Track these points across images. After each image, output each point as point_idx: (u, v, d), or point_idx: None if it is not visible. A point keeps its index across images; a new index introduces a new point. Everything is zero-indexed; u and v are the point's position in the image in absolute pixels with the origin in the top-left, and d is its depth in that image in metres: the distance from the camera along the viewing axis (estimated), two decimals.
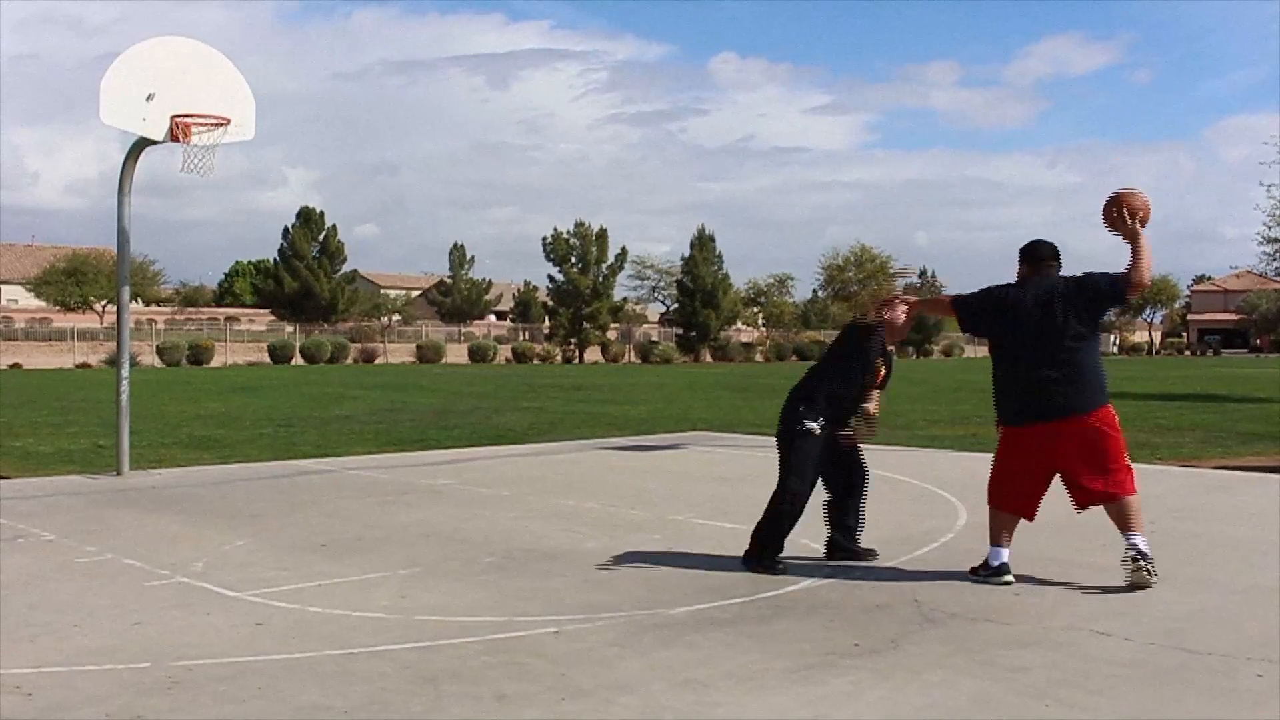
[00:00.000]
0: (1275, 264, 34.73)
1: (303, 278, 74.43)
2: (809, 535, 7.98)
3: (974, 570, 6.59)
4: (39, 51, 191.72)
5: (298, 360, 53.80)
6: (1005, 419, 6.60)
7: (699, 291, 67.04)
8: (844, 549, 7.10)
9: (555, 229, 69.70)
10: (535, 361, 59.76)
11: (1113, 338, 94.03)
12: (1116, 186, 6.56)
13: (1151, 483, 10.48)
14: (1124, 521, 6.35)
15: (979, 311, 6.72)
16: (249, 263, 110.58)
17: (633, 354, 65.93)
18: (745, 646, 5.18)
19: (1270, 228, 33.21)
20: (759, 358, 66.53)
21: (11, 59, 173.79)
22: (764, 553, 6.83)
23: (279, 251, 76.96)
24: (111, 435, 12.40)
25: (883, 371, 7.10)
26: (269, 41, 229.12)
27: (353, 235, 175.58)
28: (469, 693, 4.52)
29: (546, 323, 73.35)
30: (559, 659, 4.97)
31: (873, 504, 9.54)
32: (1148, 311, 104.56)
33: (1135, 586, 6.21)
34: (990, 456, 6.87)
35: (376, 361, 56.13)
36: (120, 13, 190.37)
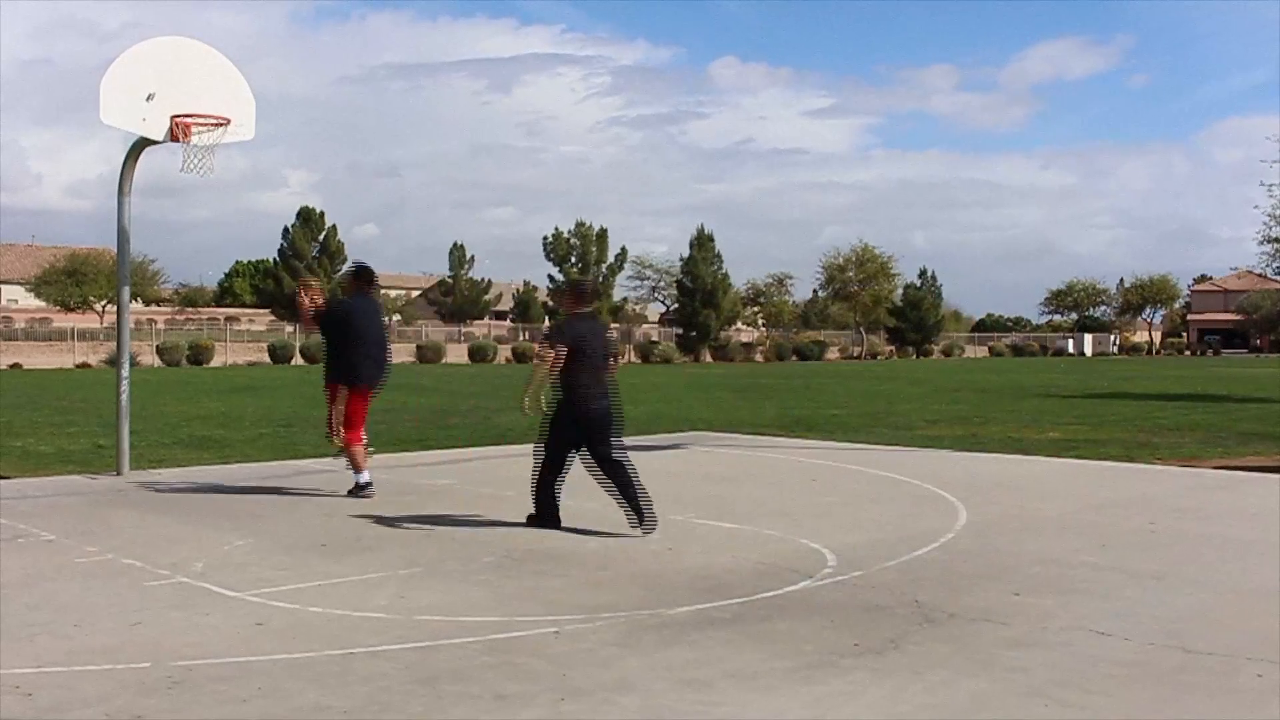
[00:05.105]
0: (1275, 264, 34.66)
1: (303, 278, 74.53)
2: (807, 535, 7.98)
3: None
4: (53, 56, 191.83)
5: (298, 360, 53.68)
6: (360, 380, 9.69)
7: (699, 291, 66.99)
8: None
9: (556, 229, 69.80)
10: (535, 362, 59.60)
11: (1113, 337, 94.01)
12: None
13: (1152, 482, 10.47)
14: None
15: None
16: (249, 263, 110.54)
17: (633, 354, 65.81)
18: (745, 646, 5.18)
19: (1270, 228, 33.17)
20: (759, 358, 66.42)
21: (25, 63, 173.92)
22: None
23: (279, 251, 76.98)
24: (111, 435, 12.39)
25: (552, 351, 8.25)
26: (282, 45, 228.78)
27: (353, 235, 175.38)
28: (469, 693, 4.52)
29: (546, 323, 73.33)
30: (559, 659, 4.97)
31: (873, 504, 9.57)
32: (1148, 311, 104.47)
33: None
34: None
35: None
36: (135, 17, 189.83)
